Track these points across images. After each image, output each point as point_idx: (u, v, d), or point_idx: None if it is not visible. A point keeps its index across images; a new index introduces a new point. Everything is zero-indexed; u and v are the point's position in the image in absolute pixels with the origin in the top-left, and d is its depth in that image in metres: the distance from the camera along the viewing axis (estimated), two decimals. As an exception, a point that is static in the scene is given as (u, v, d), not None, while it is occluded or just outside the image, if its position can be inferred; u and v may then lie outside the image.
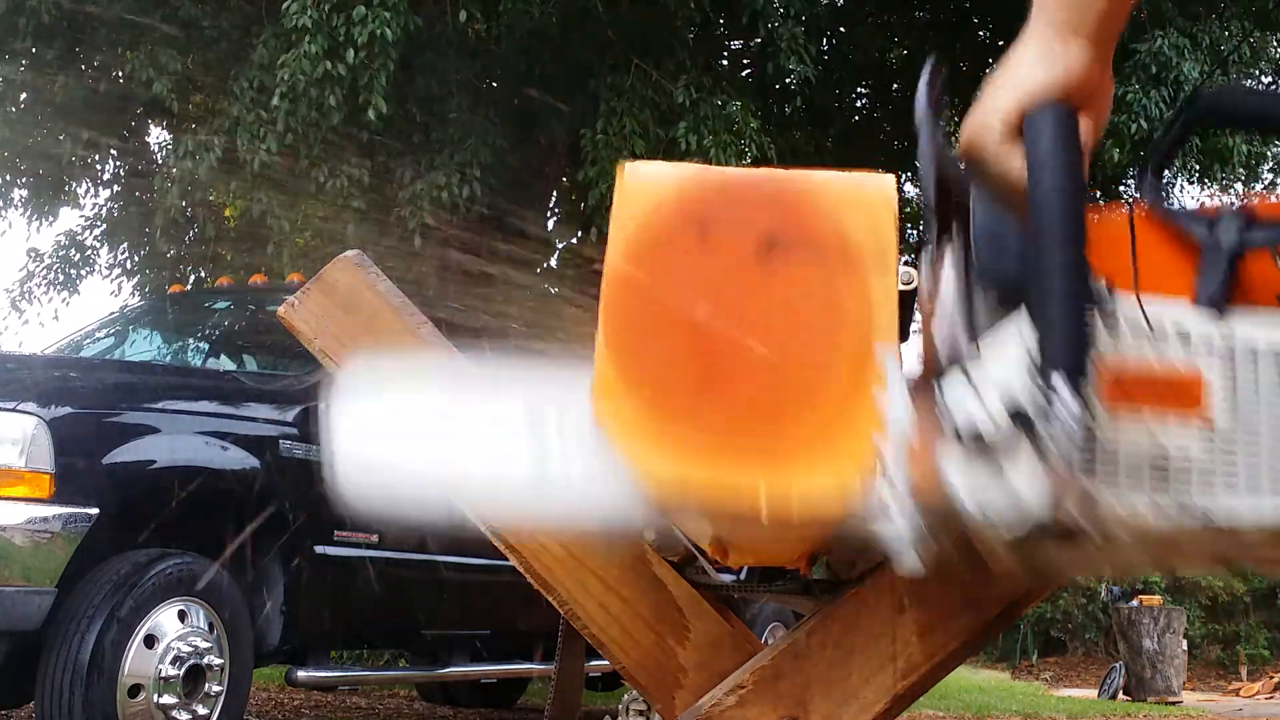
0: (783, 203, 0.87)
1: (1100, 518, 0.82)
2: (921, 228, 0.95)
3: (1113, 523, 0.82)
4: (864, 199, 0.89)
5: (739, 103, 6.99)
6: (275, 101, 6.15)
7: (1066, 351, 0.79)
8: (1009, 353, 0.82)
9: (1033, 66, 0.87)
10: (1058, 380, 0.78)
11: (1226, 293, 0.87)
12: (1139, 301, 0.86)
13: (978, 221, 0.89)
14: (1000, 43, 9.65)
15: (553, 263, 9.87)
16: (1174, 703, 11.08)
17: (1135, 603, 11.91)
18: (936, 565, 0.84)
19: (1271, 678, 13.92)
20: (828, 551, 1.00)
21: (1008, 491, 0.79)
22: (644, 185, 0.89)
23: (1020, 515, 0.80)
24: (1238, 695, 13.54)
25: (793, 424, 0.81)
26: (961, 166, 0.92)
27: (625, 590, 1.04)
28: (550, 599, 1.05)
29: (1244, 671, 15.09)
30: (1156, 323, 0.85)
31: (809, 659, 0.96)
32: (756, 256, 0.84)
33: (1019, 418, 0.79)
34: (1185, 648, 11.76)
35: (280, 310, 1.08)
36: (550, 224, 9.72)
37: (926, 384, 0.88)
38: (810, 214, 0.86)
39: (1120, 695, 11.53)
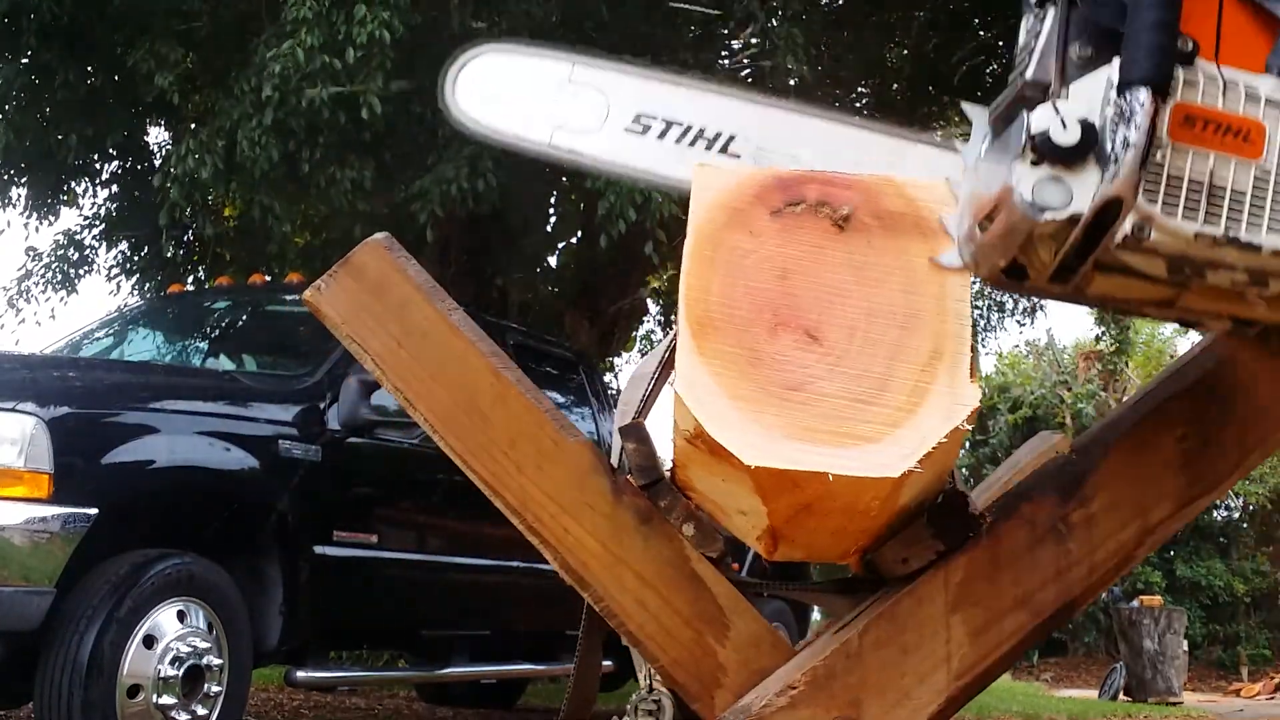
0: (858, 184, 0.89)
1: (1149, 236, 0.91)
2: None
3: (1160, 243, 0.91)
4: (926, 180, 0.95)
5: (744, 98, 6.95)
6: (266, 92, 6.03)
7: (1149, 68, 0.88)
8: (1094, 85, 0.92)
9: None
10: (1137, 91, 0.87)
11: None
12: (1217, 61, 0.94)
13: None
14: (1001, 43, 9.62)
15: (552, 261, 9.85)
16: (1175, 703, 11.06)
17: (1136, 603, 11.91)
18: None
19: (1272, 678, 13.92)
20: (880, 547, 0.96)
21: (1063, 188, 0.89)
22: (718, 177, 0.94)
23: (1069, 203, 0.89)
24: (1238, 696, 13.53)
25: (876, 404, 0.81)
26: None
27: (663, 586, 1.00)
28: (585, 595, 1.00)
29: (1245, 672, 15.10)
30: (1230, 80, 0.93)
31: (862, 659, 0.91)
32: (835, 230, 0.85)
33: (1089, 127, 0.89)
34: (1186, 648, 11.75)
35: (306, 294, 1.04)
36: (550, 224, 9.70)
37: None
38: (883, 191, 0.88)
39: (1121, 696, 11.52)
